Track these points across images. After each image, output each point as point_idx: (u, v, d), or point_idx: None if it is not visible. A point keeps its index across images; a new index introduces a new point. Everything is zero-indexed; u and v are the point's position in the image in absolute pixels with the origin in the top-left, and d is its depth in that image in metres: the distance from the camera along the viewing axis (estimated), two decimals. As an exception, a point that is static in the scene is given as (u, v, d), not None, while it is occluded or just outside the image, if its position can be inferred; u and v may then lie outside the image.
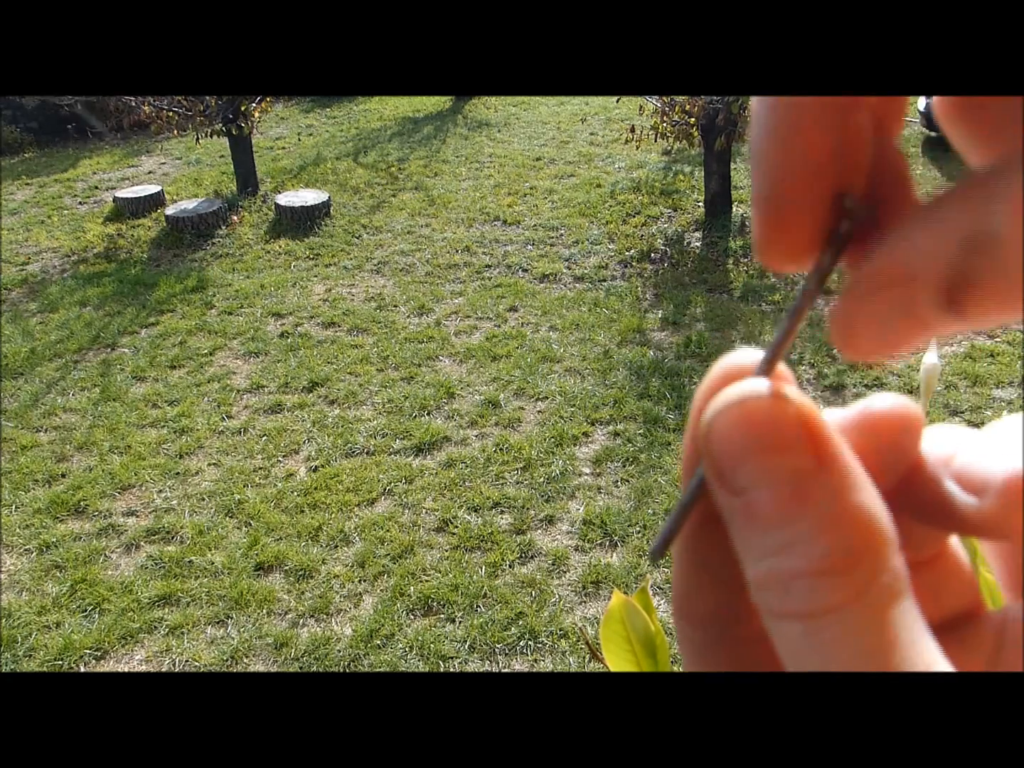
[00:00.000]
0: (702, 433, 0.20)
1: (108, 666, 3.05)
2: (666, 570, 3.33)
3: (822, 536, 0.18)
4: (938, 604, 0.19)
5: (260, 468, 4.06)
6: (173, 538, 3.65)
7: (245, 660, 3.05)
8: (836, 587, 0.17)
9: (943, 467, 0.21)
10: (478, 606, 3.21)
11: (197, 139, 7.71)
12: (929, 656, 0.18)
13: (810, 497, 0.18)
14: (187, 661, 3.05)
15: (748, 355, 0.21)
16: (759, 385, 0.19)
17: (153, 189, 7.51)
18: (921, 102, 8.68)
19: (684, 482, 0.22)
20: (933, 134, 8.70)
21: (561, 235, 6.63)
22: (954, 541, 0.24)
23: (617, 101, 9.61)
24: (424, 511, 3.73)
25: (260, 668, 3.02)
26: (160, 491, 3.94)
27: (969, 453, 0.21)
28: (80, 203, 7.81)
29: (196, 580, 3.41)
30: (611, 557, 3.42)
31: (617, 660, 0.56)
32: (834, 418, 0.22)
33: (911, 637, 0.18)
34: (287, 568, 3.44)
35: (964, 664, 0.22)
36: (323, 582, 3.37)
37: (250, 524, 3.69)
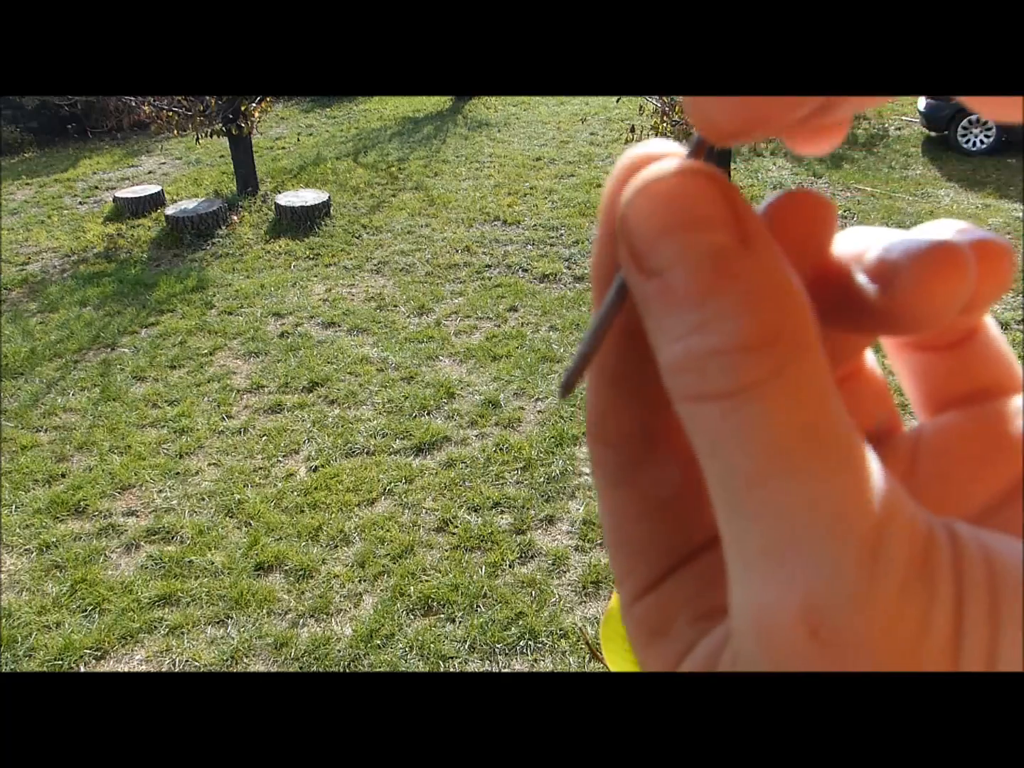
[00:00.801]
0: (619, 215, 0.18)
1: (108, 666, 3.05)
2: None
3: (742, 311, 0.17)
4: (855, 421, 0.19)
5: (260, 468, 4.06)
6: (173, 538, 3.65)
7: (245, 660, 3.05)
8: (756, 362, 0.17)
9: (855, 263, 0.21)
10: (478, 606, 3.21)
11: (197, 139, 7.71)
12: (849, 432, 0.17)
13: (731, 273, 0.17)
14: (187, 661, 3.05)
15: (659, 144, 0.20)
16: (679, 162, 0.18)
17: (153, 189, 7.52)
18: (921, 102, 8.68)
19: (595, 297, 0.21)
20: (933, 134, 8.71)
21: (561, 235, 6.63)
22: (870, 359, 0.24)
23: (617, 101, 9.61)
24: (424, 511, 3.73)
25: (260, 668, 3.02)
26: (160, 491, 3.94)
27: (881, 246, 0.20)
28: (80, 203, 7.81)
29: (196, 580, 3.41)
30: (611, 557, 3.42)
31: (617, 660, 0.56)
32: None
33: (833, 413, 0.17)
34: (287, 568, 3.44)
35: None
36: (323, 582, 3.37)
37: (250, 524, 3.69)
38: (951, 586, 0.16)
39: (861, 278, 0.20)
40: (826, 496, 0.16)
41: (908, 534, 0.16)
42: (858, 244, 0.21)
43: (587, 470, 3.94)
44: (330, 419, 4.42)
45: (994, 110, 0.18)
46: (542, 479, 3.87)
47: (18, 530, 3.73)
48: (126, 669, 3.03)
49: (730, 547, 0.17)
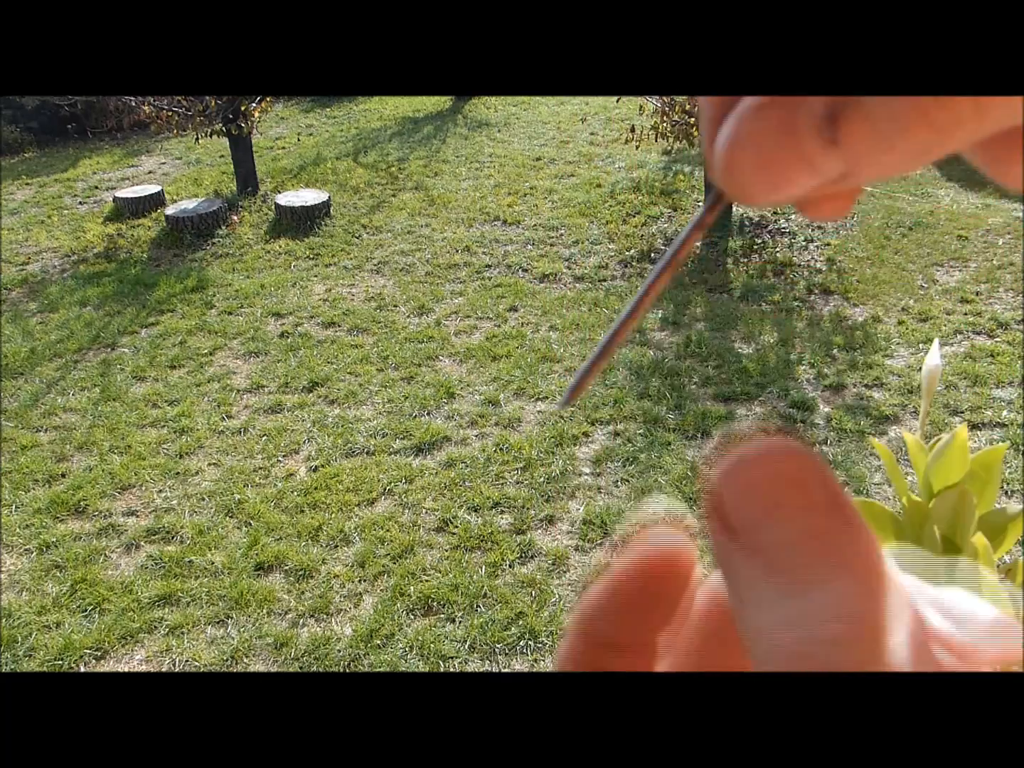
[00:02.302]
0: (711, 492, 0.20)
1: (108, 666, 3.05)
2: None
3: (846, 598, 0.18)
4: None
5: (260, 468, 4.06)
6: (173, 538, 3.65)
7: (245, 660, 3.05)
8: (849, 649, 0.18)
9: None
10: (478, 606, 3.21)
11: (197, 139, 7.70)
12: None
13: (838, 558, 0.19)
14: (187, 661, 3.05)
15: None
16: (770, 443, 0.20)
17: (153, 189, 7.51)
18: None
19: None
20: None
21: (561, 235, 6.63)
22: None
23: (617, 101, 9.61)
24: (424, 511, 3.73)
25: (260, 668, 3.02)
26: (160, 491, 3.94)
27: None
28: (80, 203, 7.81)
29: (196, 580, 3.41)
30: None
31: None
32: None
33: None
34: (287, 568, 3.44)
35: None
36: (323, 582, 3.37)
37: (250, 524, 3.69)
38: None
39: None
40: None
41: None
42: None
43: (587, 470, 3.94)
44: (330, 419, 4.42)
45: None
46: (542, 479, 3.87)
47: (18, 530, 3.73)
48: (126, 669, 3.03)
49: None
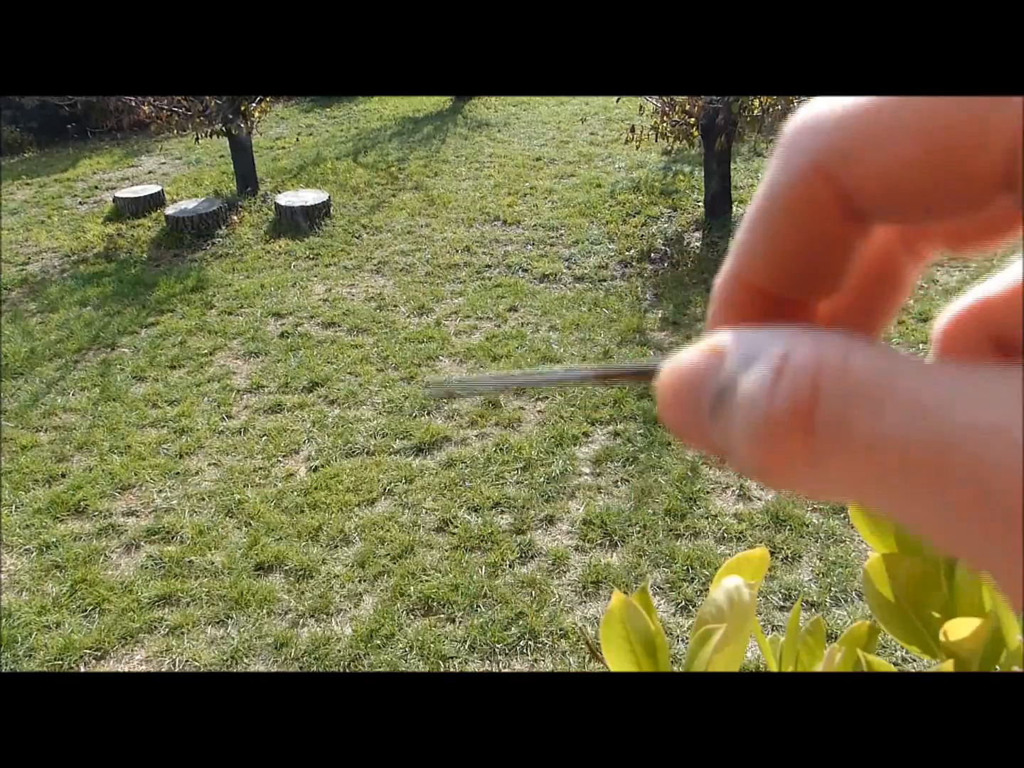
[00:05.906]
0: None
1: (108, 666, 3.05)
2: (666, 570, 3.33)
3: None
4: None
5: (260, 468, 4.06)
6: (173, 538, 3.65)
7: (245, 660, 3.05)
8: None
9: None
10: (478, 606, 3.21)
11: (197, 139, 7.70)
12: None
13: None
14: (187, 661, 3.05)
15: None
16: None
17: (153, 189, 7.51)
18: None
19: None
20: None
21: (561, 235, 6.63)
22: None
23: (617, 101, 9.61)
24: (424, 511, 3.73)
25: (260, 668, 3.02)
26: (160, 491, 3.94)
27: None
28: (80, 203, 7.81)
29: (196, 580, 3.41)
30: (611, 557, 3.42)
31: (617, 660, 0.56)
32: None
33: None
34: (287, 568, 3.44)
35: None
36: (323, 582, 3.37)
37: (250, 524, 3.69)
38: None
39: None
40: None
41: None
42: None
43: (587, 470, 3.94)
44: (330, 419, 4.42)
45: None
46: (542, 479, 3.87)
47: (18, 530, 3.73)
48: (126, 669, 3.03)
49: None
